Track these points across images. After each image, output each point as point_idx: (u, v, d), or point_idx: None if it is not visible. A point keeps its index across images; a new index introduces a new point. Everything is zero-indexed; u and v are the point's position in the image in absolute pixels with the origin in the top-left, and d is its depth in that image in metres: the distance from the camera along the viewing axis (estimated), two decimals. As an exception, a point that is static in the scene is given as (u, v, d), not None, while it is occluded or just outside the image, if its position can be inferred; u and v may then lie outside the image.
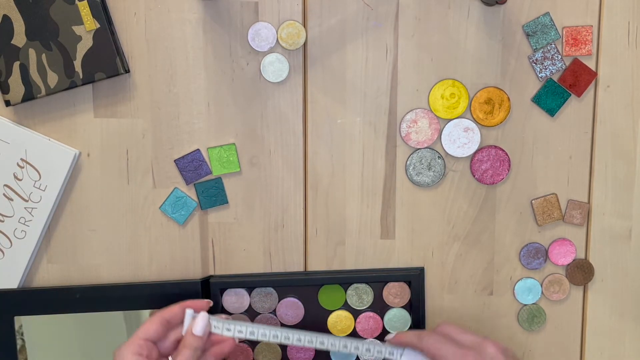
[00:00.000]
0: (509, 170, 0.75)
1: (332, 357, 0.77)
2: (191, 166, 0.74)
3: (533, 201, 0.76)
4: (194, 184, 0.74)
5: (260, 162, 0.74)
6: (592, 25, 0.73)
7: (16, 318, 0.74)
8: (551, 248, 0.76)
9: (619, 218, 0.76)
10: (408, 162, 0.75)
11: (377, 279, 0.75)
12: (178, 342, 0.67)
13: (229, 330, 0.67)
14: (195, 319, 0.66)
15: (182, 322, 0.67)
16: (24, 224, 0.73)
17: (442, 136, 0.74)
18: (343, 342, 0.68)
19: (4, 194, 0.73)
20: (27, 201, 0.73)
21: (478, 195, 0.76)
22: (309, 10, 0.72)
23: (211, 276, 0.75)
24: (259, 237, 0.76)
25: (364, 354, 0.68)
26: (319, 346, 0.67)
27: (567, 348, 0.78)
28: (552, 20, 0.72)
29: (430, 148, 0.74)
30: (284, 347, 0.77)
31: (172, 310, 0.67)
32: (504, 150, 0.75)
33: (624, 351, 0.78)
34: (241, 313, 0.76)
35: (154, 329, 0.65)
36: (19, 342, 0.75)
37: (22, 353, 0.75)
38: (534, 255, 0.76)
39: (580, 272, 0.77)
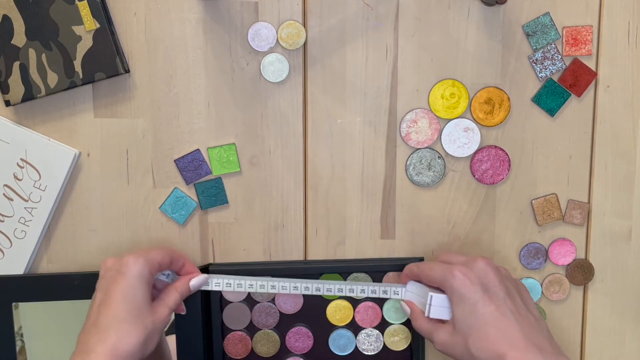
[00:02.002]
0: (509, 170, 0.75)
1: (330, 346, 0.77)
2: (191, 166, 0.74)
3: (533, 201, 0.76)
4: (194, 184, 0.74)
5: (260, 162, 0.74)
6: (592, 25, 0.73)
7: (15, 320, 0.74)
8: (551, 248, 0.76)
9: (619, 218, 0.76)
10: (408, 162, 0.75)
11: (377, 268, 0.75)
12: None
13: (217, 284, 0.71)
14: (198, 277, 0.69)
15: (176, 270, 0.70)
16: (24, 224, 0.73)
17: (442, 136, 0.74)
18: (338, 285, 0.72)
19: (4, 194, 0.73)
20: (27, 201, 0.73)
21: (478, 195, 0.76)
22: (309, 10, 0.72)
23: (210, 264, 0.75)
24: (259, 237, 0.76)
25: (359, 295, 0.72)
26: (314, 292, 0.71)
27: (567, 348, 0.78)
28: (552, 20, 0.72)
29: (430, 148, 0.74)
30: (282, 337, 0.77)
31: (180, 257, 0.69)
32: (504, 150, 0.75)
33: (624, 351, 0.79)
34: (240, 302, 0.76)
35: (166, 262, 0.67)
36: (18, 344, 0.74)
37: (22, 354, 0.75)
38: (534, 255, 0.76)
39: (580, 272, 0.77)
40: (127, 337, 0.61)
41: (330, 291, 0.72)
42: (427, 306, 0.67)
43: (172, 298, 0.67)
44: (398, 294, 0.72)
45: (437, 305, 0.66)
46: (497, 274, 0.65)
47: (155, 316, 0.64)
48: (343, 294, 0.72)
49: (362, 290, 0.72)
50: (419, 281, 0.71)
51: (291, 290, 0.71)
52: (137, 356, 0.62)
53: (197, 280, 0.69)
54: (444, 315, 0.66)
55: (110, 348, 0.60)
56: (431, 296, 0.67)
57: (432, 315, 0.67)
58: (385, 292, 0.72)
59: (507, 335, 0.61)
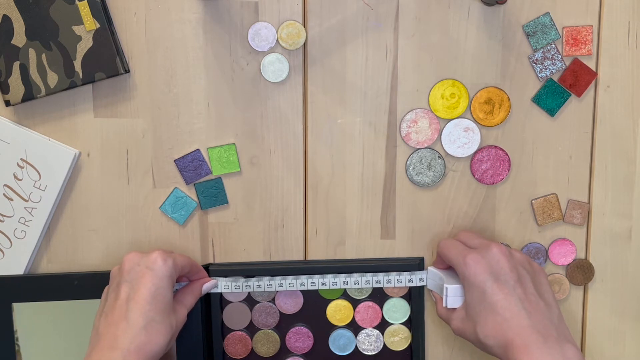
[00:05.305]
0: (509, 170, 0.75)
1: (330, 346, 0.77)
2: (191, 166, 0.74)
3: (533, 201, 0.76)
4: (194, 184, 0.74)
5: (260, 162, 0.74)
6: (592, 25, 0.73)
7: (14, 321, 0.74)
8: (551, 248, 0.76)
9: (619, 218, 0.76)
10: (408, 162, 0.75)
11: (377, 268, 0.75)
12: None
13: (226, 287, 0.73)
14: (210, 282, 0.73)
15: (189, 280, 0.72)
16: (24, 224, 0.73)
17: (442, 136, 0.74)
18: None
19: (4, 194, 0.73)
20: (27, 201, 0.73)
21: (478, 195, 0.76)
22: (309, 10, 0.72)
23: (210, 264, 0.75)
24: (259, 237, 0.76)
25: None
26: (320, 287, 0.74)
27: (567, 348, 0.78)
28: (552, 20, 0.72)
29: (430, 148, 0.74)
30: (282, 336, 0.77)
31: (200, 270, 0.72)
32: (504, 150, 0.75)
33: (624, 351, 0.79)
34: (240, 302, 0.76)
35: (186, 270, 0.69)
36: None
37: (18, 356, 0.75)
38: (534, 255, 0.76)
39: (580, 272, 0.77)
40: (157, 337, 0.62)
41: (336, 284, 0.73)
42: (444, 297, 0.69)
43: (190, 299, 0.69)
44: (414, 282, 0.74)
45: (453, 296, 0.68)
46: (509, 261, 0.65)
47: (178, 317, 0.66)
48: (348, 287, 0.74)
49: (367, 282, 0.74)
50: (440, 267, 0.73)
51: (298, 287, 0.73)
52: (160, 355, 0.63)
53: (209, 284, 0.72)
54: (461, 303, 0.69)
55: (140, 347, 0.61)
56: (446, 288, 0.68)
57: (449, 306, 0.69)
58: (400, 281, 0.74)
59: (513, 323, 0.62)
